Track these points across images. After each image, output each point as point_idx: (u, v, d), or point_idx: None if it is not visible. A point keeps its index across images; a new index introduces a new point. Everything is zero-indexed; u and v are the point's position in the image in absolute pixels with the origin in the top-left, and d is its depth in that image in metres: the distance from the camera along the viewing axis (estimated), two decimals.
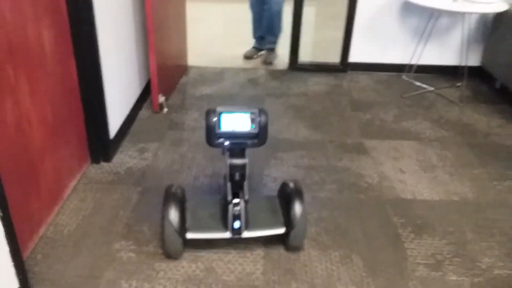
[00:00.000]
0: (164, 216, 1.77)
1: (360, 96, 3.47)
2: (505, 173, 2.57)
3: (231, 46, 4.33)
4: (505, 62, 3.40)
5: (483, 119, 3.17)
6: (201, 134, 1.68)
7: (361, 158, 2.66)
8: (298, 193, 1.89)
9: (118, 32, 2.64)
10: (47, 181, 2.02)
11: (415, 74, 3.75)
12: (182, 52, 3.68)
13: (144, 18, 2.88)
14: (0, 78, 1.63)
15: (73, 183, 2.28)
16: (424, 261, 1.94)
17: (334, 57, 3.87)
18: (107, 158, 2.50)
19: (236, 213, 1.79)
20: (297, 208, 1.84)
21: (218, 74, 3.74)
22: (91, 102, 2.34)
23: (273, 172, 2.49)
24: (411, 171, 2.56)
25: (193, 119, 3.01)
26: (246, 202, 1.81)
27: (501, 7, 3.18)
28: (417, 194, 2.37)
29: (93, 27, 2.20)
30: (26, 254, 1.83)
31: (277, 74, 3.81)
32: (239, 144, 1.74)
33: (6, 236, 1.50)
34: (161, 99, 3.03)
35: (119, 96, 2.65)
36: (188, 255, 1.90)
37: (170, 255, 1.87)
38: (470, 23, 3.65)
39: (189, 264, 1.86)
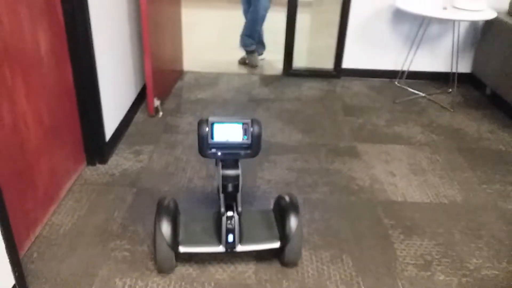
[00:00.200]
0: (156, 230, 1.73)
1: (353, 101, 3.52)
2: (494, 177, 2.62)
3: (226, 52, 4.38)
4: (495, 69, 3.47)
5: (473, 125, 3.23)
6: (196, 137, 1.68)
7: (353, 161, 2.70)
8: (293, 207, 1.85)
9: (113, 36, 2.68)
10: (43, 181, 2.05)
11: (407, 80, 3.81)
12: (178, 57, 3.73)
13: (139, 22, 2.93)
14: None
15: (69, 184, 2.31)
16: (413, 261, 1.98)
17: (328, 63, 3.93)
18: (103, 160, 2.53)
19: (230, 226, 1.76)
20: (292, 222, 1.80)
21: (213, 79, 3.79)
22: (87, 104, 2.38)
23: (266, 175, 2.53)
24: (401, 174, 2.61)
25: (188, 122, 3.05)
26: (239, 214, 1.78)
27: (490, 14, 3.25)
28: (408, 196, 2.41)
29: (88, 30, 2.24)
30: (22, 252, 1.86)
31: (271, 80, 3.87)
32: (231, 154, 1.69)
33: (2, 233, 1.53)
34: (157, 103, 3.07)
35: (114, 99, 2.69)
36: (181, 254, 1.92)
37: (162, 270, 1.82)
38: (460, 31, 3.73)
39: (183, 263, 1.89)
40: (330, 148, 2.84)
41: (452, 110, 3.42)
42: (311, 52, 4.48)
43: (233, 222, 1.76)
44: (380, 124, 3.18)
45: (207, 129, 1.64)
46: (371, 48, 3.83)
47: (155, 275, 1.83)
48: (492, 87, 3.54)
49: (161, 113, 3.11)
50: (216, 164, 1.76)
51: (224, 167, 1.72)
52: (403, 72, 3.80)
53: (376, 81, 3.90)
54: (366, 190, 2.44)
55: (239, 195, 1.78)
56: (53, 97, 2.12)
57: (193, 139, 2.80)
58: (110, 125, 2.60)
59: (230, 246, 1.79)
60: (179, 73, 3.77)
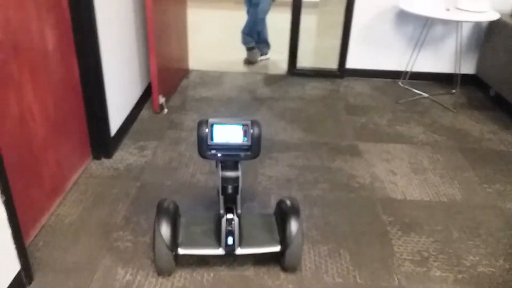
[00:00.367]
0: (155, 231, 1.73)
1: (356, 101, 3.55)
2: (495, 176, 2.63)
3: (231, 51, 4.43)
4: (498, 70, 3.48)
5: (476, 125, 3.24)
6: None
7: (354, 160, 2.73)
8: (294, 211, 1.83)
9: (119, 34, 2.74)
10: (49, 173, 2.11)
11: (411, 81, 3.84)
12: (183, 56, 3.78)
13: (145, 22, 2.98)
14: (5, 74, 1.72)
15: (75, 177, 2.37)
16: (410, 257, 2.01)
17: (332, 64, 3.97)
18: (108, 155, 2.59)
19: (230, 229, 1.75)
20: (293, 226, 1.77)
21: (217, 78, 3.84)
22: (93, 100, 2.44)
23: (268, 171, 2.57)
24: (402, 173, 2.63)
25: (192, 120, 3.10)
26: (239, 217, 1.77)
27: (493, 16, 3.27)
28: (407, 194, 2.44)
29: (94, 27, 2.30)
30: (28, 241, 1.91)
31: (275, 79, 3.91)
32: (231, 156, 1.68)
33: (8, 220, 1.58)
34: (162, 100, 3.12)
35: (119, 96, 2.75)
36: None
37: (161, 271, 1.82)
38: (464, 32, 3.75)
39: (183, 254, 1.93)
40: (332, 146, 2.87)
41: (454, 111, 3.44)
42: (316, 52, 4.53)
43: (232, 224, 1.75)
44: (382, 123, 3.21)
45: (206, 130, 1.63)
46: (375, 48, 3.86)
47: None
48: (496, 89, 3.55)
49: (166, 110, 3.16)
50: (216, 165, 1.75)
51: (224, 168, 1.71)
52: (406, 72, 3.82)
53: (380, 81, 3.93)
54: (366, 188, 2.47)
55: (238, 197, 1.76)
56: (60, 92, 2.18)
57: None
58: (115, 121, 2.66)
59: (230, 249, 1.78)
60: (185, 72, 3.82)
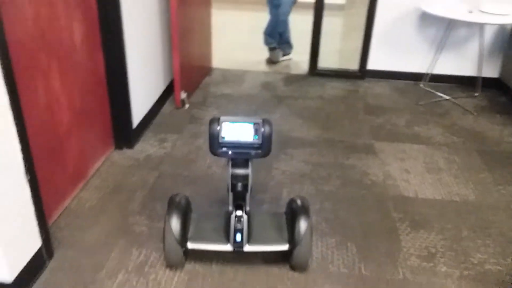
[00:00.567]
0: (165, 225, 1.76)
1: (375, 101, 3.57)
2: (511, 179, 2.62)
3: (254, 51, 4.51)
4: None
5: (496, 128, 3.21)
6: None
7: (369, 158, 2.77)
8: (304, 210, 1.83)
9: (144, 32, 2.86)
10: (73, 159, 2.24)
11: (432, 83, 3.83)
12: (207, 54, 3.89)
13: (169, 21, 3.10)
14: (34, 63, 1.86)
15: (97, 165, 2.50)
16: (417, 253, 2.03)
17: (355, 65, 3.99)
18: (130, 145, 2.71)
19: (238, 225, 1.77)
20: (302, 225, 1.78)
21: (239, 76, 3.93)
22: (116, 93, 2.56)
23: (282, 166, 2.63)
24: (416, 172, 2.65)
25: (212, 115, 3.18)
26: (247, 214, 1.79)
27: None
28: (419, 193, 2.46)
29: (120, 24, 2.43)
30: (51, 221, 2.04)
31: (296, 79, 3.97)
32: (242, 154, 1.70)
33: (32, 198, 1.71)
34: (183, 95, 3.23)
35: (142, 90, 2.87)
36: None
37: (170, 264, 1.86)
38: (488, 35, 3.71)
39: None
40: (347, 144, 2.91)
41: (475, 114, 3.41)
42: (340, 54, 4.55)
43: (241, 221, 1.77)
44: (400, 124, 3.23)
45: (218, 127, 1.65)
46: (396, 50, 3.87)
47: None
48: None
49: (187, 105, 3.27)
50: (228, 163, 1.77)
51: (234, 166, 1.73)
52: (428, 74, 3.82)
53: (401, 83, 3.93)
54: (378, 185, 2.50)
55: (248, 195, 1.79)
56: (86, 83, 2.30)
57: None
58: (137, 114, 2.78)
59: (238, 246, 1.80)
60: (208, 70, 3.93)
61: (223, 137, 1.66)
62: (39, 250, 1.79)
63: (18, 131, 1.59)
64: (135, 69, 2.68)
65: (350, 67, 4.02)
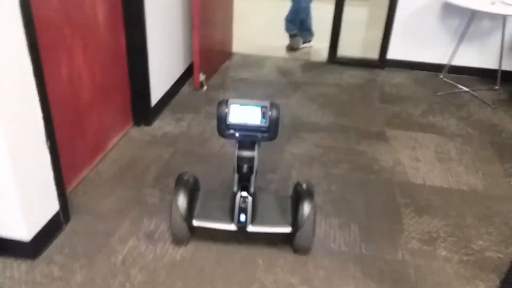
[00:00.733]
0: (172, 202, 1.82)
1: (392, 90, 3.58)
2: None
3: (275, 38, 4.55)
4: None
5: None
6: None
7: (380, 145, 2.80)
8: (308, 194, 1.86)
9: (165, 12, 2.95)
10: (92, 132, 2.36)
11: (453, 74, 3.81)
12: (227, 39, 3.96)
13: (191, 5, 3.17)
14: (59, 37, 1.97)
15: (115, 139, 2.62)
16: (418, 236, 2.07)
17: (375, 54, 3.99)
18: (148, 123, 2.82)
19: (243, 206, 1.81)
20: (306, 208, 1.80)
21: (259, 62, 3.99)
22: (136, 71, 2.66)
23: (294, 148, 2.70)
24: (426, 160, 2.67)
25: (229, 97, 3.27)
26: (252, 195, 1.82)
27: None
28: (427, 180, 2.48)
29: (142, 3, 2.52)
30: (69, 189, 2.16)
31: (315, 66, 4.01)
32: (249, 136, 1.72)
33: (51, 164, 1.82)
34: (202, 77, 3.32)
35: (162, 69, 2.96)
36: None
37: (177, 240, 1.92)
38: (511, 27, 3.65)
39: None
40: (360, 131, 2.95)
41: (494, 106, 3.39)
42: (363, 43, 4.56)
43: (246, 202, 1.81)
44: (415, 113, 3.23)
45: (226, 110, 1.68)
46: (417, 40, 3.85)
47: None
48: None
49: (205, 88, 3.36)
50: (235, 144, 1.80)
51: (241, 148, 1.76)
52: (448, 66, 3.79)
53: (421, 73, 3.91)
54: (387, 171, 2.54)
55: (253, 177, 1.81)
56: (107, 60, 2.41)
57: None
58: (156, 93, 2.88)
59: (242, 225, 1.83)
60: (228, 54, 4.00)
61: (230, 120, 1.69)
62: (57, 214, 1.92)
63: (40, 100, 1.70)
64: (155, 48, 2.77)
65: (372, 57, 4.03)
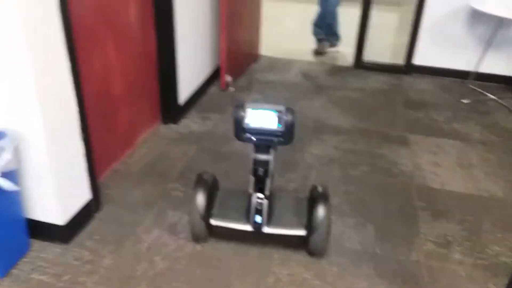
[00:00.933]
0: (191, 201, 1.88)
1: (417, 96, 3.60)
2: None
3: (303, 41, 4.63)
4: None
5: None
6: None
7: (401, 149, 2.84)
8: (324, 197, 1.88)
9: (194, 15, 3.08)
10: (123, 127, 2.50)
11: (480, 82, 3.79)
12: (254, 42, 4.06)
13: (219, 9, 3.29)
14: (93, 36, 2.11)
15: (144, 135, 2.75)
16: (434, 239, 2.11)
17: (401, 60, 4.01)
18: (175, 121, 2.95)
19: (259, 207, 1.84)
20: (320, 212, 1.82)
21: (285, 65, 4.08)
22: (165, 70, 2.80)
23: (314, 150, 2.77)
24: (446, 165, 2.69)
25: (254, 99, 3.38)
26: (267, 198, 1.85)
27: None
28: (446, 185, 2.51)
29: (172, 5, 2.64)
30: (101, 179, 2.30)
31: (340, 70, 4.06)
32: (265, 140, 1.76)
33: (85, 155, 1.96)
34: (228, 79, 3.43)
35: (190, 70, 3.09)
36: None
37: (195, 238, 1.97)
38: None
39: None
40: (381, 135, 2.99)
41: None
42: (391, 48, 4.57)
43: (262, 204, 1.85)
44: (438, 119, 3.25)
45: (242, 113, 1.73)
46: (444, 47, 3.85)
47: None
48: None
49: (231, 89, 3.47)
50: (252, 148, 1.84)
51: (257, 151, 1.80)
52: (475, 73, 3.78)
53: (447, 80, 3.91)
54: (406, 175, 2.58)
55: (268, 180, 1.85)
56: (138, 59, 2.55)
57: None
58: (184, 92, 3.01)
59: (257, 227, 1.87)
60: (255, 57, 4.11)
61: (247, 123, 1.74)
62: (89, 202, 2.06)
63: (75, 94, 1.84)
64: (184, 50, 2.90)
65: (398, 62, 4.05)
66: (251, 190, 1.87)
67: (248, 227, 1.90)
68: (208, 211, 1.91)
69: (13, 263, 1.82)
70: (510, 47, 3.73)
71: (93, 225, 2.07)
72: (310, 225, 1.86)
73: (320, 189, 1.95)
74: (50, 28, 1.66)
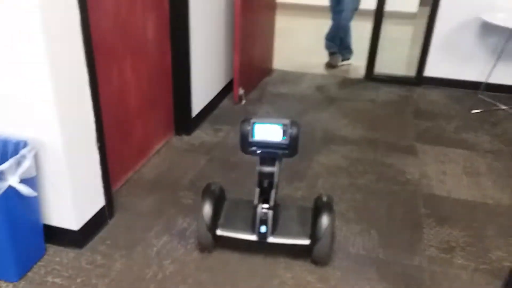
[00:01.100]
0: (198, 211, 1.94)
1: (427, 107, 3.64)
2: None
3: (315, 55, 4.72)
4: None
5: None
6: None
7: (408, 158, 2.88)
8: (327, 207, 1.92)
9: (209, 32, 3.21)
10: (137, 138, 2.62)
11: (491, 93, 3.81)
12: (268, 56, 4.18)
13: (233, 24, 3.42)
14: (112, 52, 2.24)
15: (158, 146, 2.87)
16: (437, 245, 2.14)
17: (413, 72, 4.06)
18: (188, 132, 3.06)
19: (264, 218, 1.89)
20: (324, 222, 1.86)
21: (298, 78, 4.17)
22: (180, 85, 2.92)
23: (322, 159, 2.84)
24: (453, 174, 2.72)
25: (265, 111, 3.48)
26: (271, 208, 1.90)
27: None
28: (452, 193, 2.54)
29: (187, 24, 2.78)
30: (115, 188, 2.41)
31: (351, 82, 4.13)
32: (270, 153, 1.82)
33: (100, 163, 2.08)
34: (241, 92, 3.54)
35: (203, 84, 3.21)
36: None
37: (202, 247, 2.02)
38: None
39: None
40: (389, 144, 3.04)
41: None
42: (403, 60, 4.63)
43: (267, 214, 1.90)
44: (448, 129, 3.28)
45: (248, 128, 1.80)
46: (456, 58, 3.89)
47: None
48: None
49: (244, 101, 3.58)
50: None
51: (262, 163, 1.86)
52: (486, 84, 3.79)
53: (458, 91, 3.94)
54: (412, 183, 2.62)
55: (273, 192, 1.90)
56: (153, 73, 2.68)
57: None
58: (197, 105, 3.12)
59: (262, 237, 1.92)
60: (268, 70, 4.22)
61: (253, 137, 1.81)
62: (102, 208, 2.17)
63: (93, 106, 1.96)
64: (198, 64, 3.03)
65: (408, 74, 4.10)
66: (256, 201, 1.92)
67: (253, 237, 1.95)
68: (215, 222, 1.96)
69: (29, 267, 1.93)
70: None
71: (106, 231, 2.18)
72: (314, 235, 1.90)
73: (324, 198, 2.00)
74: (72, 44, 1.80)
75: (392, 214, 2.36)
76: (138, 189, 2.49)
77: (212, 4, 3.19)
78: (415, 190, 2.56)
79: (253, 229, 1.94)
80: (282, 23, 4.40)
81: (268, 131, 1.80)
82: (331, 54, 4.49)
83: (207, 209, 1.93)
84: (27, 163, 1.75)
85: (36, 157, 1.84)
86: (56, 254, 2.02)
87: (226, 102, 3.61)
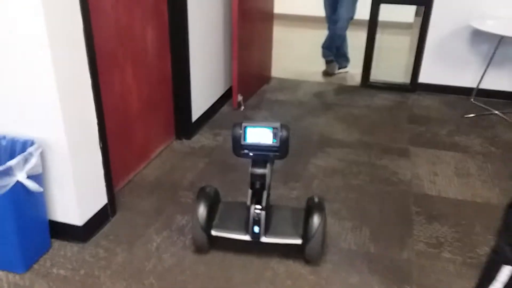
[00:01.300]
0: (193, 213, 1.99)
1: (421, 112, 3.74)
2: None
3: (313, 64, 4.83)
4: None
5: None
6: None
7: (401, 160, 2.97)
8: (319, 208, 1.98)
9: (207, 39, 3.34)
10: (139, 142, 2.73)
11: (484, 98, 3.90)
12: (266, 64, 4.30)
13: (231, 32, 3.55)
14: (112, 59, 2.36)
15: (159, 150, 2.98)
16: (426, 240, 2.23)
17: (407, 78, 4.17)
18: (188, 137, 3.17)
19: (256, 218, 1.96)
20: (315, 222, 1.92)
21: (295, 85, 4.29)
22: (179, 90, 3.04)
23: (318, 161, 2.93)
24: (444, 175, 2.81)
25: (263, 116, 3.59)
26: (264, 209, 1.96)
27: None
28: (443, 192, 2.63)
29: (186, 32, 2.90)
30: (117, 188, 2.52)
31: (348, 89, 4.24)
32: (261, 155, 1.89)
33: (103, 162, 2.19)
34: (240, 98, 3.65)
35: (202, 90, 3.32)
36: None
37: (197, 248, 2.09)
38: None
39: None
40: (383, 147, 3.13)
41: None
42: (398, 68, 4.73)
43: (259, 215, 1.96)
44: (441, 133, 3.37)
45: (240, 131, 1.88)
46: (449, 65, 4.00)
47: None
48: None
49: (242, 107, 3.69)
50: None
51: (254, 166, 1.93)
52: (478, 90, 3.89)
53: (452, 97, 4.04)
54: (404, 183, 2.71)
55: (265, 193, 1.97)
56: (154, 79, 2.80)
57: None
58: (197, 110, 3.24)
59: (255, 236, 1.98)
60: (266, 78, 4.34)
61: (244, 140, 1.88)
62: (105, 206, 2.27)
63: (96, 109, 2.08)
64: (197, 70, 3.15)
65: (406, 81, 4.21)
66: (249, 202, 1.99)
67: (247, 237, 2.01)
68: (209, 223, 2.03)
69: (35, 259, 2.03)
70: (511, 63, 3.85)
71: (108, 227, 2.28)
72: (305, 234, 1.97)
73: (316, 199, 2.07)
74: (76, 51, 1.92)
75: (384, 212, 2.44)
76: (140, 190, 2.59)
77: (210, 14, 3.33)
78: (407, 190, 2.65)
79: (246, 229, 2.01)
80: (280, 34, 4.53)
81: (259, 135, 1.87)
82: (328, 62, 4.61)
83: (201, 210, 2.00)
84: (33, 161, 1.86)
85: (42, 156, 1.95)
86: (60, 248, 2.12)
87: (225, 108, 3.72)
